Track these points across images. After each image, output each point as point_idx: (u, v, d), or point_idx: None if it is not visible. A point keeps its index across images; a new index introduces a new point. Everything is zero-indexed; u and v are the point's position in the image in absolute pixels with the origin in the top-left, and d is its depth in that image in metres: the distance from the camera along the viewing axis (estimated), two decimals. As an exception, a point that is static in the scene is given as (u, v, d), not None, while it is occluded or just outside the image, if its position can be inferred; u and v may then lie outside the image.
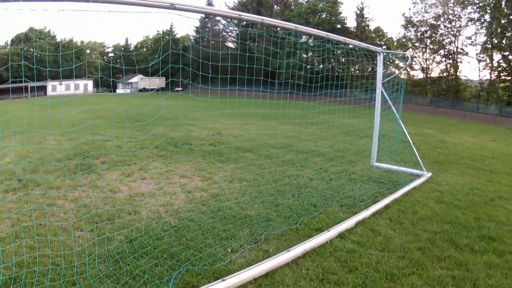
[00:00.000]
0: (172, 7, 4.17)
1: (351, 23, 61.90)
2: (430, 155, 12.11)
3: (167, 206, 6.12)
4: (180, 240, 4.78)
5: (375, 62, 9.15)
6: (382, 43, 57.64)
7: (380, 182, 8.02)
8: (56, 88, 62.38)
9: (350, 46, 8.27)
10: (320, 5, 58.10)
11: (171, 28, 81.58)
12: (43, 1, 3.50)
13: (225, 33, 66.14)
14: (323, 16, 58.24)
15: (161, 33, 79.55)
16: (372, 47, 8.83)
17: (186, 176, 8.01)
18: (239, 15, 5.07)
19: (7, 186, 6.91)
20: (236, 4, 70.16)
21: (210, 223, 5.39)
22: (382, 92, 9.03)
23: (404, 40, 55.44)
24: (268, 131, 14.82)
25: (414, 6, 62.22)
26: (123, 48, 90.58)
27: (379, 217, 5.88)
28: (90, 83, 68.60)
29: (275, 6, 66.94)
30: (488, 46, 46.82)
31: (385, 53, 9.17)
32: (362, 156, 10.62)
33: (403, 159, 10.33)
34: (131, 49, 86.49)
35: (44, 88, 60.46)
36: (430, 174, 8.82)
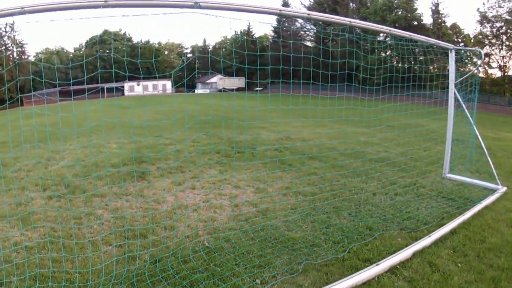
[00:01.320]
0: (197, 5, 3.92)
1: (428, 19, 59.44)
2: (507, 163, 10.62)
3: (208, 222, 5.71)
4: (207, 265, 4.32)
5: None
6: (459, 40, 54.49)
7: (450, 199, 7.02)
8: (134, 88, 66.69)
9: (428, 43, 7.47)
10: (396, 1, 55.77)
11: (248, 28, 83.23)
12: (51, 11, 3.54)
13: (302, 32, 65.94)
14: (399, 13, 55.85)
15: (239, 33, 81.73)
16: (442, 43, 7.88)
17: (239, 186, 7.55)
18: (280, 10, 4.47)
19: (53, 191, 7.27)
20: (312, 3, 69.81)
21: (247, 245, 4.86)
22: (454, 93, 8.06)
23: (480, 36, 51.97)
24: (340, 135, 13.83)
25: (488, 1, 57.69)
26: (201, 49, 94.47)
27: (441, 246, 4.96)
28: (168, 83, 72.41)
29: (351, 4, 65.51)
30: None
31: (456, 50, 8.11)
32: (435, 165, 9.43)
33: (477, 169, 9.12)
34: (209, 50, 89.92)
35: (121, 89, 65.05)
36: (505, 188, 7.65)
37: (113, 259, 4.39)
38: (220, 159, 9.94)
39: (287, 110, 7.98)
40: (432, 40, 7.41)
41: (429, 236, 5.07)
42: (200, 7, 3.83)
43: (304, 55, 6.50)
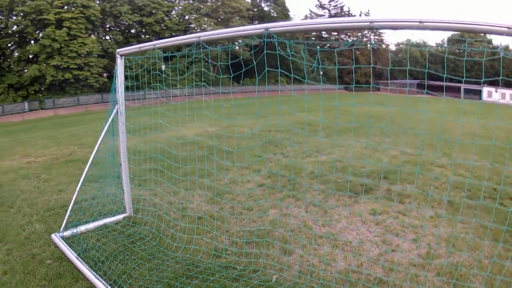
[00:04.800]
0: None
1: None
2: None
3: (324, 258, 5.18)
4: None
5: None
6: None
7: None
8: (492, 94, 57.14)
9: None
10: None
11: None
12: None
13: None
14: None
15: None
16: None
17: (418, 240, 5.70)
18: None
19: (269, 178, 8.60)
20: None
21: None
22: None
23: None
24: None
25: None
26: None
27: None
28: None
29: None
30: None
31: None
32: None
33: None
34: None
35: (479, 93, 57.10)
36: None
37: (202, 249, 5.55)
38: (461, 199, 7.33)
39: None
40: None
41: None
42: (374, 28, 3.65)
43: None
